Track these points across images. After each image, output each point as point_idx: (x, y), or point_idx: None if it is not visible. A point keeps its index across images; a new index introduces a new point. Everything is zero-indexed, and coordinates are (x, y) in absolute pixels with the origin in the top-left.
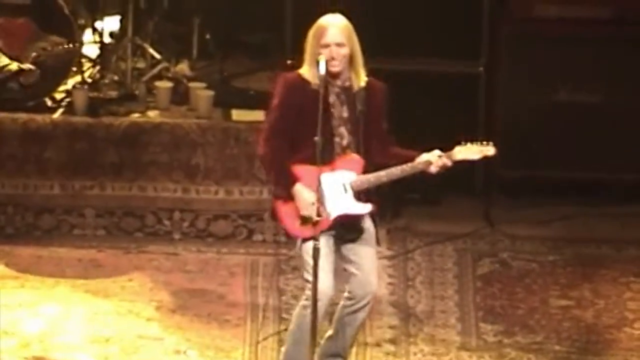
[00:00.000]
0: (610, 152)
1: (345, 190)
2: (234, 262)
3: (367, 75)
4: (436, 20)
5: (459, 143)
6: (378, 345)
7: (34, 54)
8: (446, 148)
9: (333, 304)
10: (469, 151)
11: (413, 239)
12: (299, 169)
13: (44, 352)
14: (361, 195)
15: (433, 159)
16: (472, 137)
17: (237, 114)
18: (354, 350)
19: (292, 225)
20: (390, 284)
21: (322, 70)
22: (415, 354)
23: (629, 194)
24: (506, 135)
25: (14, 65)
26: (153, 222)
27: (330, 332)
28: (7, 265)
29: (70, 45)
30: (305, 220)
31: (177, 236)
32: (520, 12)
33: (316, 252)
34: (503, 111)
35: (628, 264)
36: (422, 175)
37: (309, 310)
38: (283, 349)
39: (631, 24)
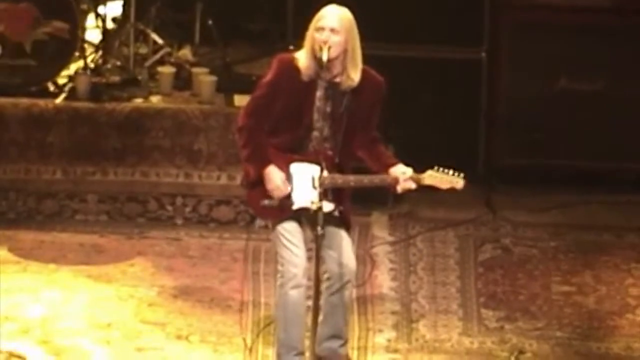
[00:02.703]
0: (611, 140)
1: (313, 184)
2: (236, 248)
3: (367, 68)
4: (438, 6)
5: (431, 167)
6: (380, 331)
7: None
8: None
9: None
10: (439, 179)
11: (415, 225)
12: (273, 153)
13: (45, 336)
14: (330, 193)
15: (401, 179)
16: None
17: (239, 100)
18: (355, 335)
19: (257, 204)
20: (392, 269)
21: (325, 57)
22: (417, 339)
23: (630, 182)
24: (508, 123)
25: None
26: (155, 207)
27: (321, 318)
28: (9, 250)
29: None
30: (270, 202)
31: (179, 221)
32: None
33: (318, 238)
34: (504, 98)
35: (629, 250)
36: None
37: (287, 288)
38: (275, 337)
39: (632, 12)
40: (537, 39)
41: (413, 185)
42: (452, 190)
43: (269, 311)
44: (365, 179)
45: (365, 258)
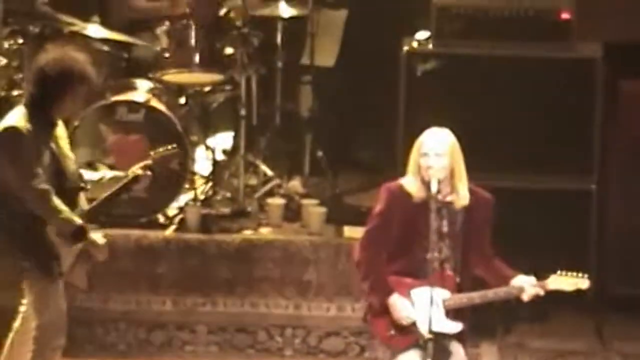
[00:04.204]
0: None
1: (438, 307)
2: None
3: (473, 186)
4: (547, 136)
5: (554, 272)
6: None
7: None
8: (549, 269)
9: None
10: (563, 282)
11: (524, 356)
12: (393, 280)
13: None
14: (452, 314)
15: (526, 287)
16: (569, 267)
17: (349, 231)
18: None
19: (384, 334)
20: None
21: (434, 188)
22: None
23: None
24: (618, 252)
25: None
26: (265, 338)
27: None
28: None
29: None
30: (399, 330)
31: (288, 353)
32: (632, 128)
33: None
34: (615, 227)
35: None
36: None
37: None
38: None
39: None
40: None
41: (541, 292)
42: (578, 291)
43: None
44: (490, 293)
45: None
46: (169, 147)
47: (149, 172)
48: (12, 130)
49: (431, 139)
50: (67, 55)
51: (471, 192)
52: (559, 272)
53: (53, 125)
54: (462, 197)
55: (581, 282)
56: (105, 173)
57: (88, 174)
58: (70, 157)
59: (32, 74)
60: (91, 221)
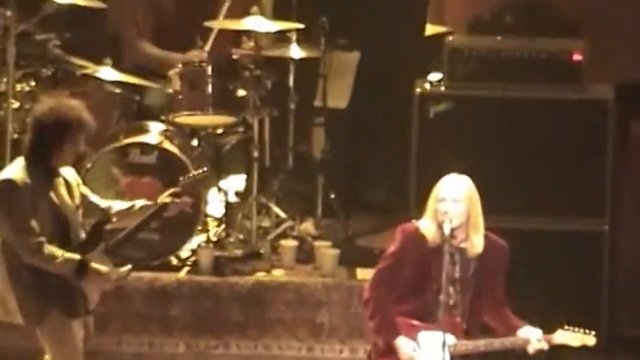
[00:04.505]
0: None
1: (443, 352)
2: None
3: (488, 232)
4: (559, 178)
5: (562, 326)
6: None
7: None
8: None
9: None
10: (570, 337)
11: None
12: (401, 322)
13: None
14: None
15: (532, 340)
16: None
17: (361, 273)
18: None
19: None
20: None
21: (447, 230)
22: None
23: None
24: (630, 293)
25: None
26: None
27: None
28: None
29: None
30: None
31: None
32: None
33: None
34: (628, 269)
35: None
36: None
37: None
38: None
39: None
40: None
41: (545, 346)
42: (583, 347)
43: None
44: (496, 343)
45: None
46: (197, 172)
47: (177, 200)
48: (7, 183)
49: (450, 184)
50: (62, 104)
51: (486, 238)
52: (566, 327)
53: (53, 175)
54: (476, 245)
55: (588, 338)
56: (136, 202)
57: (118, 204)
58: (72, 208)
59: (29, 124)
60: (119, 251)
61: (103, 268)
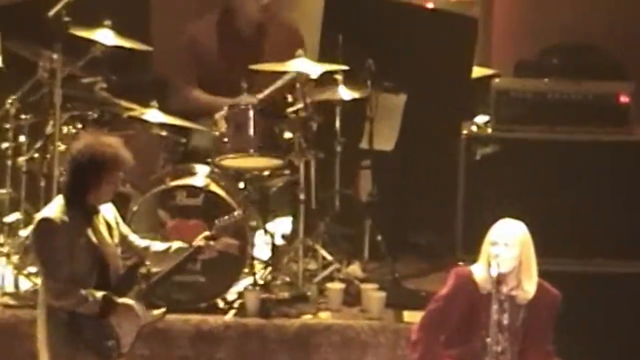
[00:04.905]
0: None
1: None
2: None
3: (542, 281)
4: (606, 220)
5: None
6: None
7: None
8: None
9: None
10: None
11: None
12: None
13: None
14: None
15: None
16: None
17: (408, 316)
18: None
19: None
20: None
21: (494, 273)
22: None
23: None
24: None
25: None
26: None
27: None
28: None
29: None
30: None
31: None
32: None
33: None
34: None
35: None
36: None
37: None
38: None
39: None
40: None
41: None
42: None
43: None
44: None
45: None
46: (232, 215)
47: (211, 243)
48: (44, 223)
49: (502, 228)
50: (98, 141)
51: (539, 287)
52: None
53: (92, 213)
54: (527, 291)
55: None
56: (172, 244)
57: (156, 245)
58: (111, 247)
59: (66, 163)
60: (153, 294)
61: (130, 301)
